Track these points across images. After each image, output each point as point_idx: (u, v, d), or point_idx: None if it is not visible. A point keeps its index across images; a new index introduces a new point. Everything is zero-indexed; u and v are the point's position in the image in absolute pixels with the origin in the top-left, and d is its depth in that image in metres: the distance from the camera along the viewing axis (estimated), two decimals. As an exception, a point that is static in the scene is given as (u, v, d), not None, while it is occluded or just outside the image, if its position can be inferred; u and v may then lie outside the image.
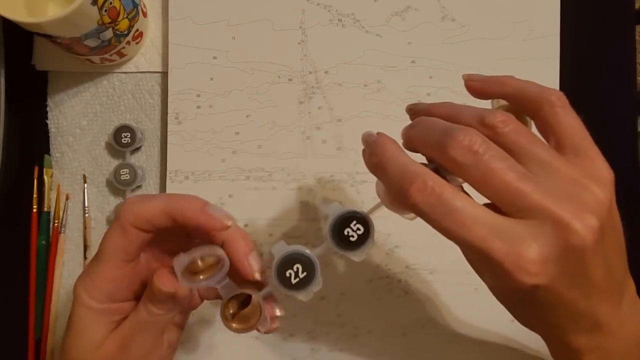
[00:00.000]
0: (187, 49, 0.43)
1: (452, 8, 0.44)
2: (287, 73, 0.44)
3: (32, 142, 0.44)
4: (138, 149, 0.44)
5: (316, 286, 0.28)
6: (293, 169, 0.43)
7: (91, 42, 0.38)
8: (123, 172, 0.43)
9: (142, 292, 0.31)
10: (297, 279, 0.28)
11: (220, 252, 0.28)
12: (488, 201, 0.24)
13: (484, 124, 0.25)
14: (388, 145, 0.26)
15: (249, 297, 0.29)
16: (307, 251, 0.28)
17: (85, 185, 0.44)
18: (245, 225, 0.43)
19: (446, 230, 0.24)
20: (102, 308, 0.30)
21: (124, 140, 0.43)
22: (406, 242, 0.43)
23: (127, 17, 0.39)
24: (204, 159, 0.43)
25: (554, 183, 0.24)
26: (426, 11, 0.44)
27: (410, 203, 0.24)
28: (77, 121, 0.44)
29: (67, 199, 0.44)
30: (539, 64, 0.44)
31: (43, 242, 0.43)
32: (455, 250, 0.43)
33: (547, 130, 0.26)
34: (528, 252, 0.22)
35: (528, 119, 0.28)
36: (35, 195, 0.43)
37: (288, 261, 0.28)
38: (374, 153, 0.26)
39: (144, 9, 0.43)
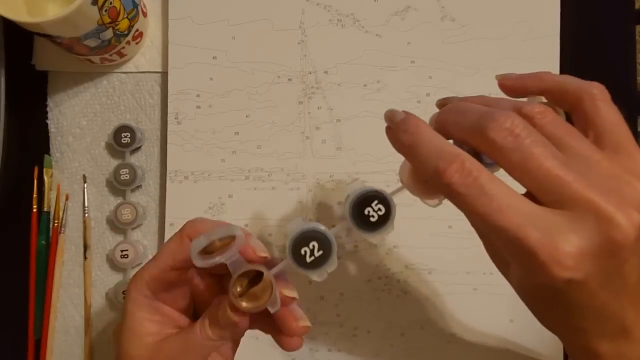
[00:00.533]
0: (187, 48, 0.44)
1: (451, 8, 0.44)
2: (287, 73, 0.44)
3: (32, 142, 0.44)
4: (138, 149, 0.44)
5: (331, 266, 0.27)
6: (292, 169, 0.43)
7: (91, 42, 0.38)
8: (123, 172, 0.43)
9: (191, 309, 0.32)
10: (313, 258, 0.27)
11: (238, 231, 0.27)
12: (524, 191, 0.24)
13: (521, 114, 0.24)
14: (422, 125, 0.25)
15: (260, 277, 0.28)
16: (324, 228, 0.27)
17: (85, 185, 0.44)
18: (245, 225, 0.43)
19: (479, 215, 0.22)
20: (147, 303, 0.30)
21: (124, 140, 0.43)
22: (405, 242, 0.43)
23: (127, 17, 0.39)
24: (203, 159, 0.43)
25: (594, 176, 0.22)
26: (426, 11, 0.44)
27: (445, 183, 0.23)
28: (77, 121, 0.44)
29: (67, 199, 0.44)
30: (539, 64, 0.44)
31: (43, 242, 0.43)
32: (455, 250, 0.43)
33: (587, 124, 0.25)
34: (565, 244, 0.21)
35: (561, 113, 0.27)
36: (35, 195, 0.43)
37: (304, 238, 0.27)
38: (407, 131, 0.25)
39: (144, 9, 0.43)
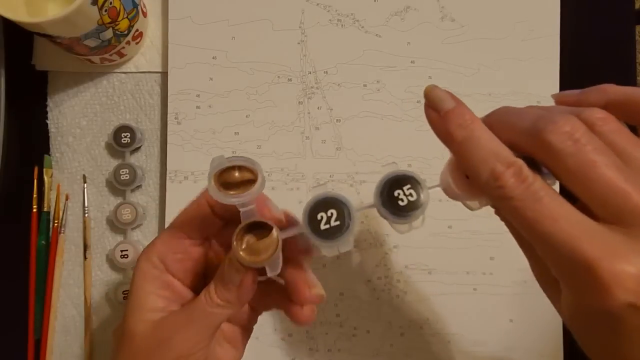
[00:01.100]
0: (186, 49, 0.44)
1: (451, 8, 0.44)
2: (287, 73, 0.44)
3: (32, 142, 0.44)
4: (138, 149, 0.44)
5: (344, 244, 0.25)
6: (292, 169, 0.43)
7: (91, 42, 0.38)
8: (123, 172, 0.43)
9: (202, 288, 0.29)
10: (327, 226, 0.25)
11: (260, 172, 0.25)
12: None
13: (580, 120, 0.22)
14: (477, 120, 0.24)
15: (269, 234, 0.26)
16: (348, 199, 0.25)
17: (85, 185, 0.44)
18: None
19: (529, 221, 0.21)
20: (156, 275, 0.28)
21: (124, 140, 0.43)
22: (405, 242, 0.43)
23: (127, 17, 0.39)
24: (203, 159, 0.43)
25: None
26: (425, 11, 0.44)
27: (498, 185, 0.22)
28: (77, 121, 0.45)
29: (66, 199, 0.44)
30: (539, 64, 0.44)
31: (43, 242, 0.43)
32: (454, 250, 0.43)
33: None
34: (627, 264, 0.19)
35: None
36: (35, 195, 0.43)
37: (324, 203, 0.25)
38: (462, 125, 0.23)
39: (143, 9, 0.43)
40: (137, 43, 0.43)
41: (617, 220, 0.21)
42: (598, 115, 0.22)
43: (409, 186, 0.25)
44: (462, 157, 0.24)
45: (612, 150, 0.22)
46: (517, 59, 0.44)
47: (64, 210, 0.44)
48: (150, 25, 0.45)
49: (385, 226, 0.43)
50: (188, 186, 0.43)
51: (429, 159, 0.43)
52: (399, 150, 0.43)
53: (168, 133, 0.43)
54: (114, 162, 0.44)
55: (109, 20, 0.37)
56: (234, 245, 0.25)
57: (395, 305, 0.43)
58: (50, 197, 0.44)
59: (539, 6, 0.44)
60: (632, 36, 0.46)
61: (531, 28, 0.44)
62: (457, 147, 0.24)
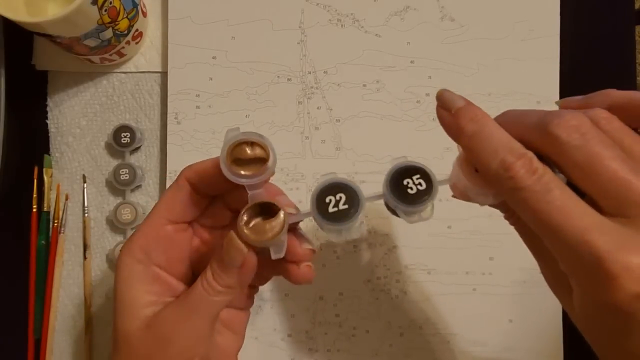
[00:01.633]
0: (186, 48, 0.44)
1: (451, 8, 0.44)
2: (286, 73, 0.44)
3: (32, 142, 0.44)
4: (137, 149, 0.45)
5: (351, 231, 0.25)
6: (292, 169, 0.43)
7: (91, 42, 0.38)
8: (122, 172, 0.43)
9: (189, 279, 0.29)
10: (335, 209, 0.25)
11: (272, 149, 0.25)
12: None
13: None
14: (487, 115, 0.24)
15: (275, 216, 0.25)
16: (358, 185, 0.25)
17: (85, 185, 0.44)
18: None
19: (539, 213, 0.21)
20: (141, 269, 0.27)
21: (124, 140, 0.43)
22: (404, 242, 0.43)
23: (127, 17, 0.39)
24: (203, 158, 0.43)
25: None
26: (425, 11, 0.44)
27: (509, 176, 0.22)
28: (77, 121, 0.45)
29: (66, 199, 0.44)
30: (539, 64, 0.44)
31: (43, 242, 0.43)
32: (454, 250, 0.43)
33: None
34: (635, 256, 0.19)
35: None
36: (35, 195, 0.43)
37: (334, 187, 0.25)
38: (474, 120, 0.24)
39: (143, 9, 0.43)
40: (137, 43, 0.43)
41: (622, 211, 0.21)
42: (603, 114, 0.23)
43: (418, 176, 0.25)
44: (472, 150, 0.24)
45: (618, 146, 0.22)
46: (516, 59, 0.44)
47: (63, 210, 0.44)
48: (150, 25, 0.45)
49: (385, 226, 0.43)
50: (188, 186, 0.43)
51: (429, 159, 0.43)
52: (399, 150, 0.43)
53: (168, 133, 0.43)
54: (114, 162, 0.44)
55: (108, 20, 0.38)
56: (239, 223, 0.25)
57: (395, 305, 0.43)
58: (50, 197, 0.44)
59: (539, 6, 0.44)
60: (632, 36, 0.46)
61: (531, 28, 0.44)
62: (467, 140, 0.24)
